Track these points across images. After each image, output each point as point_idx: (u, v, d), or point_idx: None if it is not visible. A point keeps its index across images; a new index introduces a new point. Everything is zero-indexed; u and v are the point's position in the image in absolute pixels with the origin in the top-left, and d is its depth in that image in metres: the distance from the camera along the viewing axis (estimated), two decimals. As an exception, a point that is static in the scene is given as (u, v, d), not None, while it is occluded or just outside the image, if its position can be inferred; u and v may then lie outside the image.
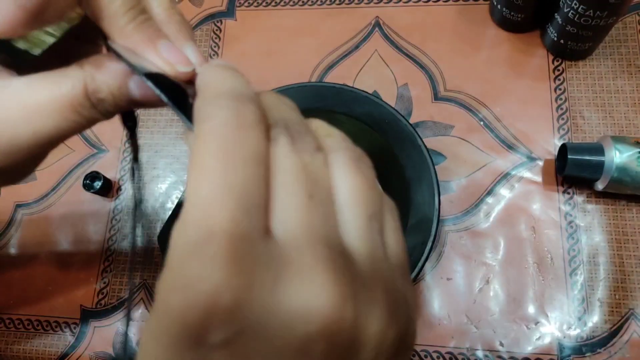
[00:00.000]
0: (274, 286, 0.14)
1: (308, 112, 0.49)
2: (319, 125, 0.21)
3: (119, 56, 0.22)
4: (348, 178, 0.18)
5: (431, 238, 0.43)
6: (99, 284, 0.55)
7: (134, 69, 0.21)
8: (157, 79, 0.21)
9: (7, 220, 0.59)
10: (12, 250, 0.58)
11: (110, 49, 0.23)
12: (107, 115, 0.23)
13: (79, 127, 0.22)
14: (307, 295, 0.14)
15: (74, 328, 0.54)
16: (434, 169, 0.44)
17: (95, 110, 0.22)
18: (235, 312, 0.13)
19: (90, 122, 0.23)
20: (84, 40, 0.27)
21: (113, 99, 0.22)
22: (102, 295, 0.54)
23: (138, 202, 0.47)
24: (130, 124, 0.25)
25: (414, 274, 0.42)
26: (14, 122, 0.21)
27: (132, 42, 0.22)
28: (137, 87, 0.22)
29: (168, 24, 0.23)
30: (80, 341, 0.53)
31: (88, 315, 0.54)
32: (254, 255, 0.14)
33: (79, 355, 0.53)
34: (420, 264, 0.42)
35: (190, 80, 0.22)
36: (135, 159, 0.28)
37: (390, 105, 0.47)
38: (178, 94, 0.21)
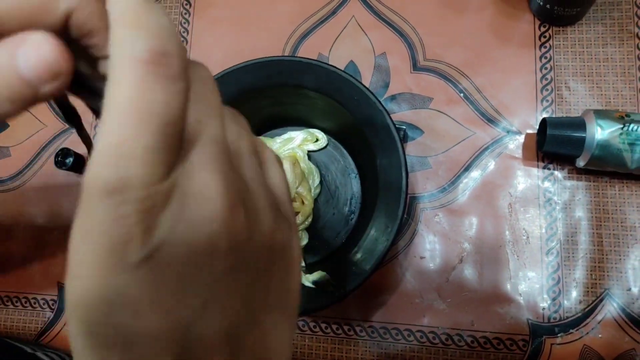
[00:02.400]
0: (182, 201, 0.15)
1: (278, 88, 0.48)
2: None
3: None
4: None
5: (397, 221, 0.42)
6: (75, 260, 0.55)
7: None
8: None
9: (-15, 197, 0.59)
10: (-9, 227, 0.58)
11: None
12: None
13: None
14: (207, 205, 0.16)
15: (53, 304, 0.54)
16: (403, 151, 0.42)
17: None
18: (152, 229, 0.15)
19: None
20: None
21: None
22: (79, 272, 0.55)
23: None
24: (76, 119, 0.22)
25: (378, 258, 0.41)
26: None
27: None
28: None
29: None
30: (58, 318, 0.54)
31: (66, 291, 0.54)
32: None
33: (57, 331, 0.54)
34: (384, 248, 0.41)
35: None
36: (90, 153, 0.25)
37: (359, 82, 0.44)
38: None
